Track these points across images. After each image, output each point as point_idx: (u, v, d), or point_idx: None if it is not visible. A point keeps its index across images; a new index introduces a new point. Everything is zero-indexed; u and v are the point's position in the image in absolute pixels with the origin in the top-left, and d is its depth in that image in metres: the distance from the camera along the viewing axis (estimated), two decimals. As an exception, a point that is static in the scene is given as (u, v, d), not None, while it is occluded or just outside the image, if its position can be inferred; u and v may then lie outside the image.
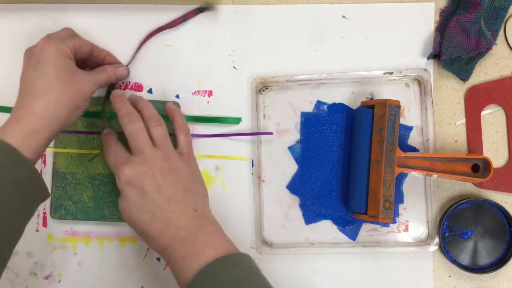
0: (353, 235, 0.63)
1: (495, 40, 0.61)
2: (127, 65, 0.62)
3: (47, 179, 0.63)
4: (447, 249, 0.61)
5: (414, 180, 0.63)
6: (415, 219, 0.62)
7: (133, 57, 0.63)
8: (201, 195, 0.54)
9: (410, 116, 0.63)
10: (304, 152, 0.63)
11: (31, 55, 0.53)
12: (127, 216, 0.52)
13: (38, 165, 0.63)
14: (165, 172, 0.51)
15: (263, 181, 0.63)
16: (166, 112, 0.59)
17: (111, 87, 0.62)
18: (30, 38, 0.64)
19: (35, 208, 0.52)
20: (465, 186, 0.63)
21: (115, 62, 0.61)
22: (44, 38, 0.54)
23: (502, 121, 0.63)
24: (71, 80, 0.52)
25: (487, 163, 0.58)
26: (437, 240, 0.61)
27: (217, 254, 0.48)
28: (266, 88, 0.63)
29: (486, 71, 0.63)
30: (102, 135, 0.57)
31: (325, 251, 0.62)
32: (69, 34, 0.57)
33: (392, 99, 0.58)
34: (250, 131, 0.63)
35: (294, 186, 0.63)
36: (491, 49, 0.61)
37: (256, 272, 0.49)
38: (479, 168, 0.59)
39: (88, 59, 0.59)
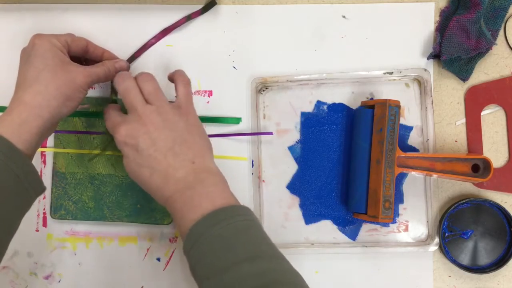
0: (353, 235, 0.63)
1: (495, 40, 0.61)
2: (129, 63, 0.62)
3: (47, 179, 0.63)
4: (447, 249, 0.61)
5: (414, 180, 0.63)
6: (415, 219, 0.62)
7: (136, 58, 0.63)
8: (201, 146, 0.53)
9: (410, 116, 0.63)
10: (304, 152, 0.63)
11: (24, 52, 0.55)
12: (130, 173, 0.53)
13: (38, 165, 0.63)
14: (159, 126, 0.51)
15: (263, 181, 0.63)
16: (168, 76, 0.58)
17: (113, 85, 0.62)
18: (30, 38, 0.64)
19: (30, 203, 0.52)
20: (465, 186, 0.63)
21: (114, 58, 0.60)
22: (35, 35, 0.55)
23: (502, 121, 0.63)
24: (61, 71, 0.52)
25: (487, 163, 0.58)
26: (437, 240, 0.61)
27: (214, 206, 0.48)
28: (266, 88, 0.63)
29: (486, 71, 0.63)
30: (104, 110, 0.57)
31: (325, 251, 0.62)
32: (64, 34, 0.57)
33: (392, 99, 0.58)
34: (250, 131, 0.63)
35: (294, 186, 0.63)
36: (491, 49, 0.61)
37: (254, 226, 0.49)
38: (479, 168, 0.59)
39: (86, 57, 0.59)
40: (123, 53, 0.63)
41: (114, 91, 0.62)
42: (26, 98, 0.51)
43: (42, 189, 0.52)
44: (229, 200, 0.50)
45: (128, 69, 0.60)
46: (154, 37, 0.63)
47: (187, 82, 0.56)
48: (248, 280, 0.43)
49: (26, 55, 0.54)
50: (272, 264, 0.45)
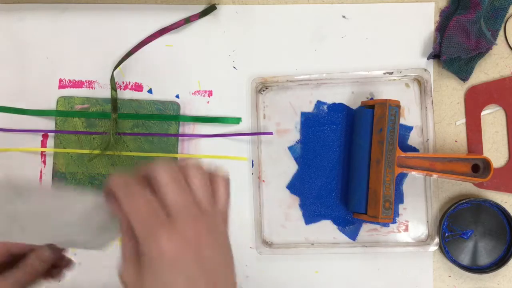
0: (353, 235, 0.63)
1: (495, 40, 0.61)
2: (119, 64, 0.62)
3: (47, 179, 0.63)
4: (447, 249, 0.61)
5: (414, 180, 0.63)
6: (415, 219, 0.62)
7: (132, 54, 0.63)
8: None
9: (410, 116, 0.63)
10: (304, 152, 0.63)
11: None
12: None
13: (38, 165, 0.63)
14: (213, 248, 0.36)
15: (263, 181, 0.63)
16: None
17: (113, 84, 0.62)
18: (30, 38, 0.64)
19: None
20: (465, 186, 0.63)
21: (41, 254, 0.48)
22: None
23: (502, 121, 0.63)
24: None
25: (487, 163, 0.58)
26: (437, 240, 0.61)
27: None
28: (266, 88, 0.63)
29: (486, 71, 0.63)
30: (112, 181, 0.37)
31: (325, 251, 0.62)
32: None
33: (392, 99, 0.58)
34: (250, 131, 0.63)
35: (294, 186, 0.63)
36: (491, 49, 0.61)
37: None
38: (479, 168, 0.59)
39: (16, 259, 0.48)
40: (121, 52, 0.63)
41: (113, 88, 0.62)
42: None
43: None
44: None
45: (55, 250, 0.49)
46: (151, 35, 0.63)
47: (229, 187, 0.40)
48: None
49: None
50: None
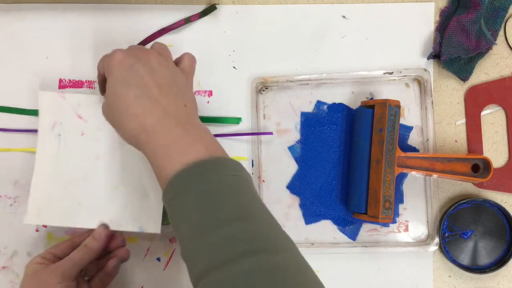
0: (353, 235, 0.63)
1: (495, 40, 0.62)
2: None
3: (47, 179, 0.63)
4: (447, 249, 0.61)
5: (414, 180, 0.63)
6: (415, 219, 0.62)
7: None
8: (195, 103, 0.50)
9: (410, 116, 0.63)
10: (304, 152, 0.63)
11: None
12: (111, 94, 0.47)
13: (38, 165, 0.63)
14: (161, 64, 0.48)
15: (263, 181, 0.63)
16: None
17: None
18: (30, 38, 0.64)
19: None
20: (465, 186, 0.63)
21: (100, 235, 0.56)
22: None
23: (502, 121, 0.63)
24: (33, 281, 0.52)
25: (487, 163, 0.58)
26: (437, 240, 0.61)
27: (209, 152, 0.44)
28: (266, 88, 0.64)
29: (486, 71, 0.63)
30: None
31: (325, 251, 0.62)
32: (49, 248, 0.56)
33: (392, 99, 0.58)
34: (250, 131, 0.63)
35: (294, 186, 0.63)
36: (491, 49, 0.61)
37: (249, 182, 0.45)
38: (479, 168, 0.59)
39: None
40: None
41: None
42: None
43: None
44: (222, 151, 0.47)
45: (108, 229, 0.56)
46: (151, 35, 0.63)
47: (194, 58, 0.53)
48: (239, 244, 0.39)
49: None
50: (264, 227, 0.42)
